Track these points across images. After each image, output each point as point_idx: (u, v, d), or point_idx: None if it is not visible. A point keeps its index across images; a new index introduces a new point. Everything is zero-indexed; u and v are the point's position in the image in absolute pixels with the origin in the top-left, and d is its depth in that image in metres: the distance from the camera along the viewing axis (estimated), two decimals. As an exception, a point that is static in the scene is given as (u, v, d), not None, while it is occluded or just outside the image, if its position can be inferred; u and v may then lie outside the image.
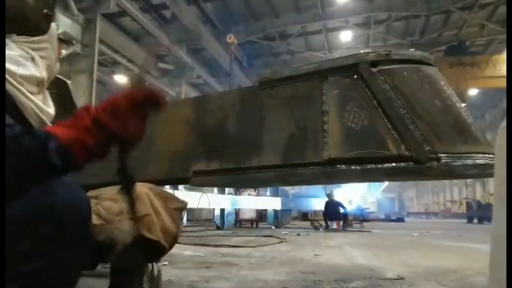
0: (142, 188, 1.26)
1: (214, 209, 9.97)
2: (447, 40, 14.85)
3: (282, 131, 1.48)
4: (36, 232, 0.79)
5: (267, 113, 1.53)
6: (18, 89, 1.00)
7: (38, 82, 1.08)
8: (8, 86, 0.97)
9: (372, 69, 1.35)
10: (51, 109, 1.11)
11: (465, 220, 20.58)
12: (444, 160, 1.24)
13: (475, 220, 19.21)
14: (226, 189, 9.69)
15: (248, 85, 2.03)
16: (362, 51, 1.40)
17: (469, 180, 29.31)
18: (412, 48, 11.78)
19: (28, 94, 1.03)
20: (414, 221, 23.55)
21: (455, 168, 1.24)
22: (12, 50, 1.04)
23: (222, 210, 9.79)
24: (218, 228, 9.53)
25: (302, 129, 1.45)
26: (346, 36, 15.84)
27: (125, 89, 0.93)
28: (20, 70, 1.03)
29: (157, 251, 1.27)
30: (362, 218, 14.46)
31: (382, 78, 1.33)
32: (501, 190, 0.67)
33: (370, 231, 9.92)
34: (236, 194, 10.70)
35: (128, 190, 1.00)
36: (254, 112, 1.57)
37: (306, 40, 16.14)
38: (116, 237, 1.12)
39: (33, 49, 1.10)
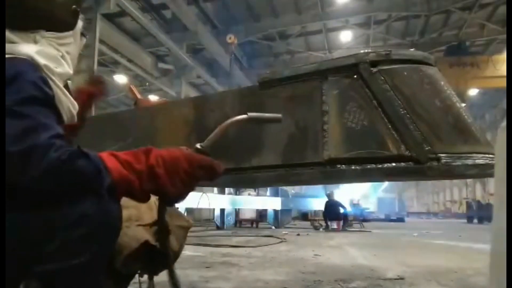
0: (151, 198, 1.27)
1: (214, 209, 9.97)
2: (447, 40, 14.83)
3: (282, 131, 1.48)
4: (69, 233, 0.82)
5: (267, 113, 1.53)
6: (58, 86, 1.02)
7: (67, 79, 1.11)
8: (52, 84, 0.99)
9: (372, 69, 1.35)
10: (76, 104, 1.13)
11: (465, 220, 20.59)
12: (444, 160, 1.24)
13: (475, 220, 19.22)
14: (226, 189, 9.69)
15: (248, 85, 2.03)
16: (362, 51, 1.40)
17: (469, 180, 29.30)
18: (412, 48, 11.78)
19: (65, 91, 1.05)
20: (414, 221, 23.55)
21: (455, 168, 1.24)
22: (44, 47, 1.04)
23: (222, 210, 9.79)
24: (218, 228, 9.53)
25: (302, 129, 1.45)
26: (346, 36, 15.83)
27: (190, 151, 0.96)
28: (58, 69, 1.04)
29: (163, 260, 1.25)
30: (362, 218, 14.47)
31: (382, 78, 1.33)
32: (501, 190, 0.67)
33: (370, 231, 9.92)
34: (236, 194, 10.70)
35: (163, 240, 1.07)
36: (254, 112, 1.57)
37: (306, 40, 16.13)
38: (124, 243, 1.11)
39: (60, 45, 1.10)
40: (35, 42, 1.04)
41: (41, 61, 0.98)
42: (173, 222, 1.32)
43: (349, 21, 14.50)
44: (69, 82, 1.16)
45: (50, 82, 0.98)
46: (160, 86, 14.70)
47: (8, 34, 1.00)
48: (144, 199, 0.91)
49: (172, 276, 1.11)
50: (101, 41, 10.33)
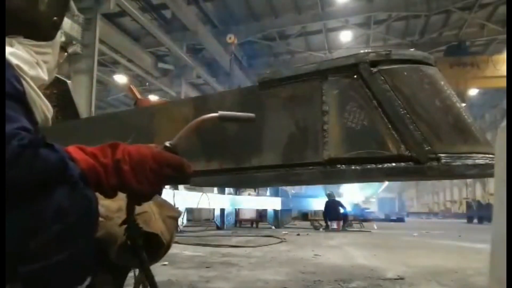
0: None
1: (214, 209, 9.97)
2: (447, 40, 14.84)
3: (282, 131, 1.48)
4: (49, 231, 0.80)
5: (267, 113, 1.53)
6: (31, 87, 1.04)
7: (40, 86, 1.12)
8: (24, 84, 1.00)
9: (372, 69, 1.35)
10: (50, 108, 1.16)
11: (465, 220, 20.60)
12: (444, 160, 1.24)
13: (475, 220, 19.22)
14: (226, 189, 9.69)
15: (248, 85, 2.03)
16: (362, 51, 1.40)
17: (469, 180, 29.31)
18: (412, 48, 11.78)
19: (39, 92, 1.08)
20: (414, 221, 23.55)
21: (455, 168, 1.24)
22: (20, 51, 1.07)
23: (222, 210, 9.79)
24: (218, 228, 9.53)
25: (302, 129, 1.45)
26: (346, 36, 15.83)
27: (159, 149, 0.94)
28: (31, 71, 1.06)
29: (156, 248, 1.26)
30: (362, 218, 14.47)
31: (382, 78, 1.33)
32: (501, 190, 0.67)
33: (370, 231, 9.92)
34: (236, 194, 10.70)
35: (133, 241, 1.03)
36: (254, 112, 1.57)
37: (306, 40, 16.14)
38: (116, 233, 1.12)
39: (37, 53, 1.12)
40: (11, 46, 1.06)
41: (14, 61, 1.01)
42: (164, 213, 1.34)
43: (349, 21, 14.51)
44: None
45: (22, 81, 1.00)
46: (160, 86, 14.70)
47: None
48: (111, 194, 0.89)
49: (147, 274, 1.11)
50: (101, 41, 10.33)
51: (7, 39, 1.06)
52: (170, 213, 1.39)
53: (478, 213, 19.39)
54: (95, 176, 0.85)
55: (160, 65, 14.45)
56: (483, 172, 1.24)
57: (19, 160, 0.77)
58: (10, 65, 1.00)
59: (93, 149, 0.89)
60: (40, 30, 1.12)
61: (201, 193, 8.28)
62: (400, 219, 22.05)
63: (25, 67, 1.04)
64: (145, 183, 0.89)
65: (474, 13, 13.37)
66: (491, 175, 0.87)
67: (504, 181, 0.66)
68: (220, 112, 1.03)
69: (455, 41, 14.59)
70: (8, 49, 1.04)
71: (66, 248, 0.82)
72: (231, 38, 12.63)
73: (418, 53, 1.44)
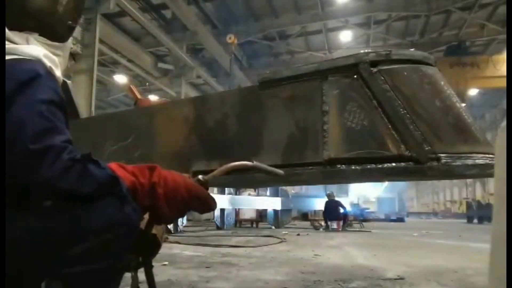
0: None
1: (214, 209, 9.96)
2: (447, 40, 14.84)
3: (282, 131, 1.48)
4: (95, 239, 0.83)
5: (267, 113, 1.53)
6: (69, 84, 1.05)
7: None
8: (63, 80, 1.02)
9: (372, 69, 1.35)
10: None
11: (465, 220, 20.60)
12: (444, 160, 1.24)
13: (475, 220, 19.22)
14: (226, 189, 9.68)
15: (248, 85, 2.03)
16: (362, 51, 1.40)
17: (469, 180, 29.31)
18: (412, 48, 11.77)
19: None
20: (414, 221, 23.55)
21: (455, 168, 1.24)
22: (49, 53, 1.06)
23: (222, 210, 9.79)
24: (218, 228, 9.53)
25: (302, 129, 1.45)
26: (346, 36, 15.83)
27: (192, 181, 1.02)
28: (57, 72, 1.06)
29: (151, 248, 1.27)
30: (362, 218, 14.47)
31: (382, 78, 1.33)
32: (501, 190, 0.67)
33: (370, 231, 9.92)
34: (236, 194, 10.69)
35: (148, 256, 1.10)
36: (254, 112, 1.57)
37: (306, 40, 16.14)
38: None
39: (51, 53, 1.11)
40: (27, 42, 1.05)
41: (47, 63, 1.00)
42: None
43: (349, 21, 14.51)
44: (69, 82, 1.17)
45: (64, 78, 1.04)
46: (160, 86, 14.70)
47: (8, 32, 1.01)
48: (141, 213, 0.93)
49: (149, 277, 1.13)
50: (101, 41, 10.33)
51: (22, 35, 1.05)
52: None
53: (478, 213, 19.39)
54: (132, 193, 0.89)
55: (160, 65, 14.44)
56: (483, 172, 1.24)
57: (70, 173, 0.81)
58: (51, 71, 0.99)
59: (133, 168, 0.94)
60: (55, 30, 1.12)
61: (201, 193, 8.26)
62: (400, 219, 22.05)
63: (54, 69, 1.03)
64: (173, 209, 0.95)
65: (474, 13, 13.37)
66: (491, 175, 0.87)
67: (504, 181, 0.66)
68: (255, 163, 1.16)
69: (455, 41, 14.59)
70: (41, 51, 1.02)
71: (111, 256, 0.85)
72: (231, 38, 12.62)
73: (418, 53, 1.44)
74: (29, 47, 1.01)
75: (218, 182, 1.96)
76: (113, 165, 0.90)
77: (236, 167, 1.12)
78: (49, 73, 0.98)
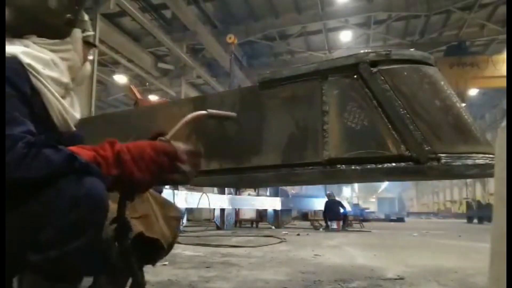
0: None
1: (214, 209, 9.97)
2: (447, 40, 14.83)
3: (282, 131, 1.48)
4: (63, 219, 0.83)
5: (267, 113, 1.53)
6: (46, 87, 1.04)
7: (62, 85, 1.12)
8: (37, 83, 1.02)
9: (372, 69, 1.35)
10: (77, 113, 1.16)
11: (465, 220, 20.58)
12: (444, 160, 1.24)
13: (475, 220, 19.21)
14: (226, 189, 9.68)
15: (248, 85, 2.03)
16: (362, 51, 1.40)
17: (469, 180, 29.31)
18: (412, 48, 11.77)
19: (56, 93, 1.07)
20: (414, 221, 23.55)
21: (455, 168, 1.24)
22: (34, 50, 1.06)
23: (222, 210, 9.79)
24: (218, 228, 9.53)
25: (302, 129, 1.45)
26: (346, 36, 15.83)
27: (155, 142, 1.00)
28: (46, 71, 1.06)
29: (155, 252, 1.27)
30: (362, 218, 14.47)
31: (382, 78, 1.33)
32: (501, 190, 0.67)
33: (370, 231, 9.92)
34: (236, 194, 10.70)
35: (122, 238, 1.06)
36: (254, 112, 1.57)
37: (306, 40, 16.13)
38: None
39: (53, 51, 1.12)
40: (27, 47, 1.06)
41: (25, 60, 1.01)
42: (166, 213, 1.34)
43: (349, 21, 14.50)
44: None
45: (35, 80, 1.01)
46: (160, 86, 14.70)
47: (6, 41, 1.05)
48: (110, 187, 0.91)
49: (135, 276, 1.11)
50: (101, 41, 10.33)
51: (21, 41, 1.07)
52: (173, 213, 1.41)
53: (478, 213, 19.38)
54: (97, 167, 0.88)
55: (160, 65, 14.44)
56: (483, 172, 1.24)
57: (25, 160, 0.81)
58: (21, 65, 1.00)
59: (92, 146, 0.92)
60: (52, 28, 1.12)
61: (201, 193, 8.28)
62: (400, 219, 22.04)
63: (38, 66, 1.03)
64: (145, 171, 0.93)
65: (474, 13, 13.36)
66: (491, 175, 0.87)
67: (504, 181, 0.66)
68: (209, 110, 1.17)
69: (455, 41, 14.58)
70: (20, 48, 1.03)
71: (82, 235, 0.84)
72: (231, 38, 12.61)
73: (418, 53, 1.44)
74: (9, 46, 1.03)
75: (217, 182, 1.96)
76: (72, 148, 0.90)
77: (192, 118, 1.13)
78: (16, 68, 0.98)
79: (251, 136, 1.54)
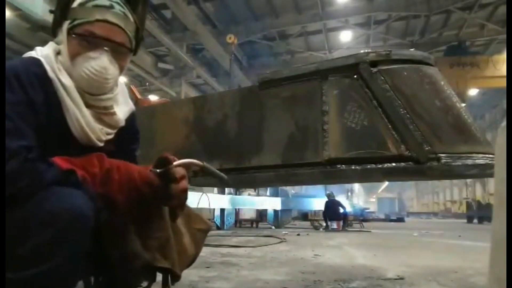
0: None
1: (214, 209, 9.98)
2: (447, 40, 14.83)
3: (282, 131, 1.48)
4: (39, 236, 0.79)
5: (267, 113, 1.53)
6: (69, 93, 0.96)
7: (98, 95, 1.03)
8: (58, 88, 0.95)
9: (372, 69, 1.35)
10: (100, 129, 1.02)
11: (465, 220, 20.58)
12: (444, 160, 1.24)
13: (475, 220, 19.20)
14: (226, 189, 9.69)
15: (248, 85, 2.03)
16: (362, 51, 1.41)
17: (469, 180, 29.30)
18: (412, 48, 11.77)
19: (79, 101, 0.97)
20: (414, 221, 23.54)
21: (455, 168, 1.24)
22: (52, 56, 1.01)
23: (222, 210, 9.79)
24: (218, 228, 9.53)
25: (302, 129, 1.45)
26: (346, 36, 15.82)
27: (145, 170, 0.95)
28: (64, 78, 0.98)
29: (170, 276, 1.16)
30: (362, 218, 14.47)
31: (382, 78, 1.33)
32: (501, 190, 0.67)
33: (370, 231, 9.92)
34: (236, 194, 10.70)
35: (125, 268, 1.00)
36: (254, 112, 1.57)
37: (306, 40, 16.13)
38: (139, 253, 1.03)
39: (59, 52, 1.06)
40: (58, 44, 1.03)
41: (45, 66, 0.96)
42: (192, 225, 1.25)
43: (349, 21, 14.50)
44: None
45: (56, 85, 0.95)
46: (160, 86, 14.70)
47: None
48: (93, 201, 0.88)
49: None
50: (101, 41, 10.30)
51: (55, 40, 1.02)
52: (199, 225, 1.30)
53: (478, 213, 19.37)
54: (84, 183, 0.86)
55: (160, 65, 14.43)
56: (483, 172, 1.25)
57: (16, 179, 0.79)
58: (41, 67, 0.95)
59: (80, 160, 0.89)
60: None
61: (201, 193, 8.28)
62: (400, 219, 22.03)
63: (53, 71, 0.96)
64: (125, 194, 0.90)
65: (474, 13, 13.35)
66: (491, 175, 0.87)
67: (504, 181, 0.66)
68: (205, 164, 1.07)
69: (455, 41, 14.58)
70: (42, 50, 0.99)
71: (59, 252, 0.80)
72: (231, 38, 12.61)
73: (418, 53, 1.45)
74: (38, 48, 1.00)
75: (216, 182, 1.96)
76: (58, 159, 0.86)
77: (185, 164, 1.04)
78: (34, 72, 0.93)
79: (251, 136, 1.55)
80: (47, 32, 10.50)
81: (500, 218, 0.67)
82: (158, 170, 0.98)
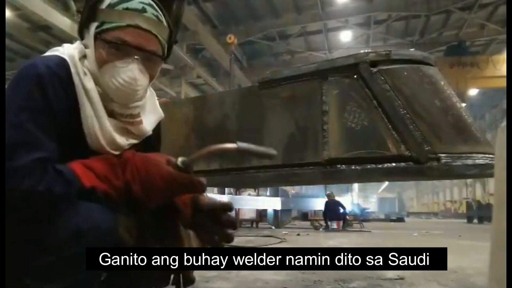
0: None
1: (214, 209, 9.96)
2: (447, 40, 14.83)
3: (282, 131, 1.48)
4: (64, 253, 0.78)
5: (267, 113, 1.53)
6: (89, 98, 0.91)
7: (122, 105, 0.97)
8: (80, 92, 0.90)
9: (372, 69, 1.35)
10: (123, 140, 0.97)
11: (465, 220, 20.58)
12: (444, 160, 1.24)
13: (475, 220, 19.21)
14: (226, 189, 9.68)
15: (248, 85, 2.03)
16: (362, 51, 1.41)
17: (469, 180, 29.30)
18: (412, 48, 11.77)
19: (101, 111, 0.92)
20: (414, 221, 23.54)
21: (455, 168, 1.24)
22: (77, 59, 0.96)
23: (222, 210, 9.78)
24: (218, 228, 9.51)
25: (302, 129, 1.45)
26: (346, 36, 15.82)
27: (168, 170, 0.87)
28: (88, 82, 0.93)
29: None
30: (362, 218, 14.48)
31: (382, 78, 1.33)
32: (501, 190, 0.67)
33: (370, 231, 9.92)
34: (236, 194, 10.69)
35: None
36: (254, 112, 1.57)
37: (306, 40, 16.13)
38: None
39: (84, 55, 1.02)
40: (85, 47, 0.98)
41: (72, 68, 0.91)
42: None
43: (349, 21, 14.49)
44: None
45: (78, 89, 0.90)
46: (160, 86, 14.70)
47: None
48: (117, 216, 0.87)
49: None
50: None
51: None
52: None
53: (478, 213, 19.37)
54: (106, 199, 0.83)
55: (160, 65, 14.42)
56: (483, 172, 1.25)
57: (32, 197, 0.76)
58: (65, 69, 0.90)
59: (103, 168, 0.84)
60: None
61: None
62: (400, 219, 22.03)
63: (78, 74, 0.91)
64: (152, 199, 0.86)
65: (474, 13, 13.35)
66: (491, 175, 0.87)
67: (504, 181, 0.66)
68: (239, 144, 0.93)
69: (455, 41, 14.58)
70: (70, 48, 0.94)
71: (82, 269, 0.78)
72: (231, 38, 12.60)
73: (418, 53, 1.45)
74: (65, 45, 0.96)
75: (217, 182, 1.96)
76: (79, 170, 0.81)
77: (218, 150, 0.95)
78: (56, 74, 0.87)
79: (251, 136, 1.55)
80: (47, 32, 10.50)
81: (500, 218, 0.67)
82: (182, 164, 0.91)
